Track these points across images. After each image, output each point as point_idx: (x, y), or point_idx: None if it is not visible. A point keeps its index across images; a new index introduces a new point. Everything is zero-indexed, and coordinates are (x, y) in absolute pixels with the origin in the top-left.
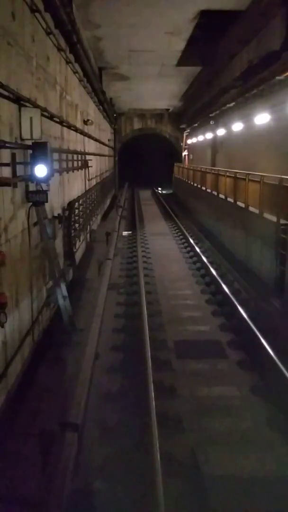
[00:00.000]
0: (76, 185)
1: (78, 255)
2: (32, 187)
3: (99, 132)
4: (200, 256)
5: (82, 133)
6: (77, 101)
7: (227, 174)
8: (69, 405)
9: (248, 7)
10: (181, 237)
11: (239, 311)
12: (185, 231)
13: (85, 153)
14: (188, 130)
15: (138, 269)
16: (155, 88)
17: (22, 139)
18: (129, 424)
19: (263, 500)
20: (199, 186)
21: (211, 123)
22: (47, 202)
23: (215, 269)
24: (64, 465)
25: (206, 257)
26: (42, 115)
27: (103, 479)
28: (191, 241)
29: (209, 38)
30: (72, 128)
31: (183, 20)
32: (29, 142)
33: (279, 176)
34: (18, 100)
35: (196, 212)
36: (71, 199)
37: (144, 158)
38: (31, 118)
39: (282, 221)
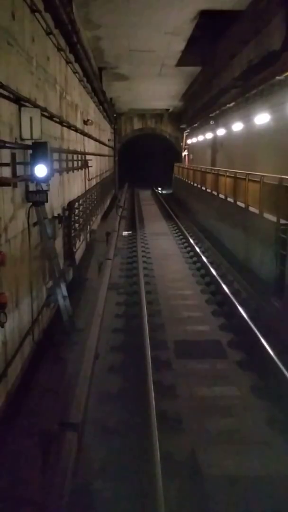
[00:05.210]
0: (76, 185)
1: (78, 255)
2: (32, 187)
3: (99, 132)
4: (200, 256)
5: (82, 133)
6: (77, 101)
7: (227, 174)
8: (69, 405)
9: (248, 7)
10: (181, 237)
11: (239, 311)
12: (185, 231)
13: (85, 153)
14: (188, 130)
15: (138, 269)
16: (155, 88)
17: (22, 139)
18: (129, 424)
19: (263, 500)
20: (199, 186)
21: (211, 123)
22: (47, 202)
23: (215, 269)
24: (64, 464)
25: (206, 257)
26: (42, 115)
27: (103, 478)
28: (191, 241)
29: (209, 38)
30: (72, 128)
31: (183, 20)
32: (29, 142)
33: (279, 176)
34: (18, 100)
35: (196, 212)
36: (71, 199)
37: (144, 158)
38: (31, 118)
39: (282, 221)
